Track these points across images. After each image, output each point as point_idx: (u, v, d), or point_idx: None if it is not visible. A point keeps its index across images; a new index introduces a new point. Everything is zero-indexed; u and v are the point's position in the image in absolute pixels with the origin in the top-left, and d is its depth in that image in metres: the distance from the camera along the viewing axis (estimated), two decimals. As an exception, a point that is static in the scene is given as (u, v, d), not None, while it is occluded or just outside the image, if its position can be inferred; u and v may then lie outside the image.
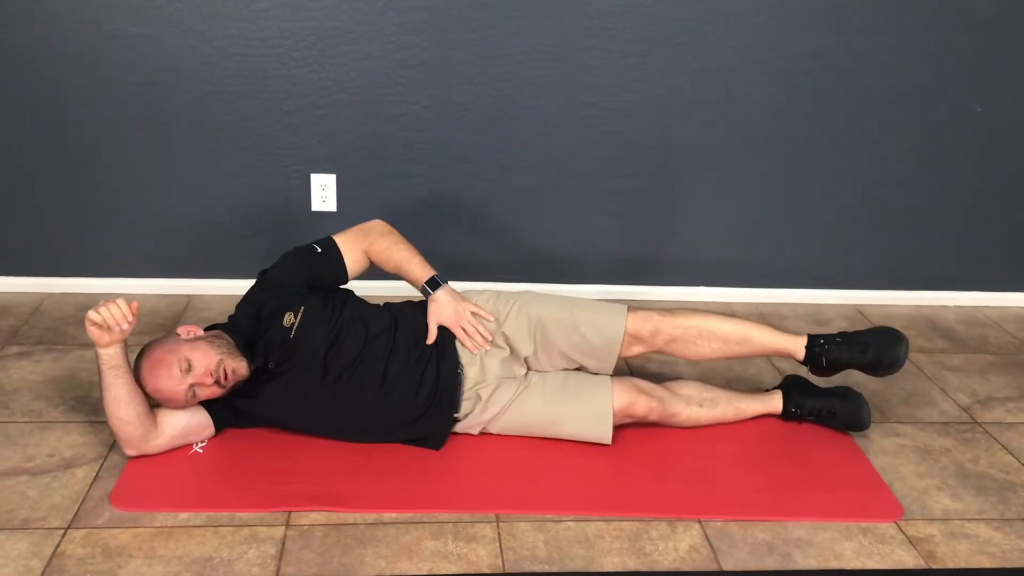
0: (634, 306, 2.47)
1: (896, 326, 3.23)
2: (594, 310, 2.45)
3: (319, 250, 2.39)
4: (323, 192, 3.17)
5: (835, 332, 2.50)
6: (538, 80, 3.10)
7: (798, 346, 2.46)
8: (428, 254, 3.23)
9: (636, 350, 2.45)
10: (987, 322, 3.36)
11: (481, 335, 2.37)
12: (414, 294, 2.47)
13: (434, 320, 2.37)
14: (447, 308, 2.37)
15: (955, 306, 3.48)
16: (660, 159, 3.25)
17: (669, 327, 2.43)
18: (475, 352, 2.37)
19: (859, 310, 3.40)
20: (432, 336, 2.36)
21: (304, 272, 2.37)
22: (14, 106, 3.01)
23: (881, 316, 3.35)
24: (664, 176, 3.26)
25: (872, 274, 3.46)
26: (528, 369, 2.44)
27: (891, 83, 3.20)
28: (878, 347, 2.42)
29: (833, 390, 2.53)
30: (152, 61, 2.98)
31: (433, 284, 2.38)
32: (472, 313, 2.39)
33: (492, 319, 2.41)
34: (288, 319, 2.30)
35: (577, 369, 2.47)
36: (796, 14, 3.09)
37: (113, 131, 3.05)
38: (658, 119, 3.18)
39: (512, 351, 2.41)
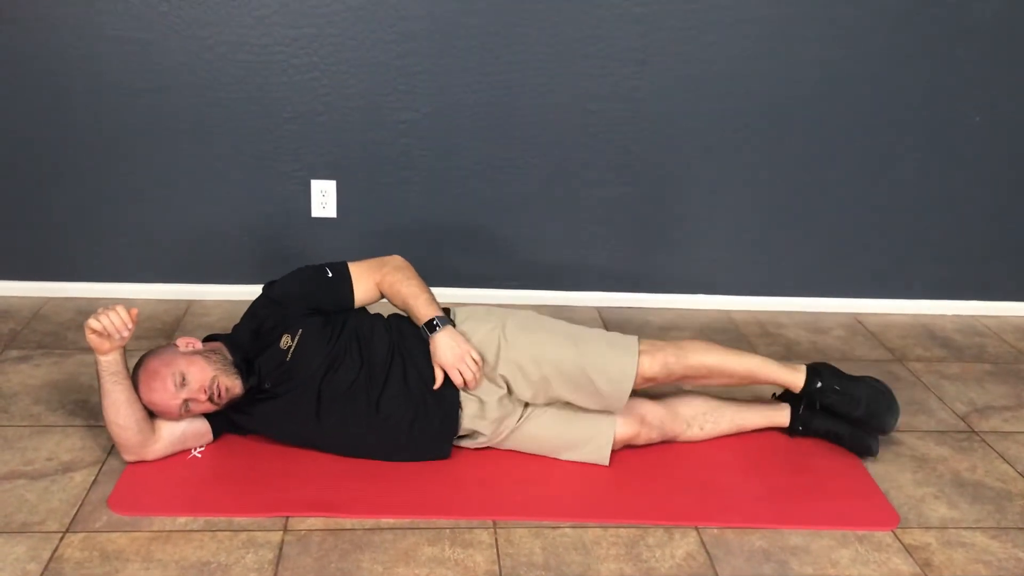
0: (645, 342, 2.36)
1: (894, 335, 3.27)
2: (605, 349, 2.32)
3: (329, 275, 2.35)
4: (323, 198, 3.18)
5: (836, 374, 2.48)
6: (538, 88, 3.11)
7: (797, 383, 2.47)
8: (427, 261, 3.24)
9: (647, 386, 2.40)
10: (985, 331, 3.36)
11: (476, 379, 2.28)
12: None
13: (436, 363, 2.28)
14: (445, 352, 2.26)
15: (953, 315, 3.49)
16: (660, 167, 3.26)
17: (681, 368, 2.36)
18: (471, 388, 2.29)
19: (857, 319, 3.40)
20: (439, 381, 2.28)
21: (309, 294, 2.34)
22: (16, 111, 3.02)
23: (879, 325, 3.36)
24: (664, 184, 3.27)
25: (871, 283, 3.47)
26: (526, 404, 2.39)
27: (890, 92, 3.21)
28: (871, 409, 2.43)
29: (842, 413, 2.50)
30: (154, 67, 2.99)
31: (432, 326, 2.27)
32: (472, 358, 2.28)
33: (484, 362, 2.30)
34: (285, 341, 2.28)
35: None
36: (795, 23, 3.10)
37: (114, 136, 3.06)
38: (658, 127, 3.19)
39: (509, 390, 2.34)
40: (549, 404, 2.38)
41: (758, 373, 2.45)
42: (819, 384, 2.46)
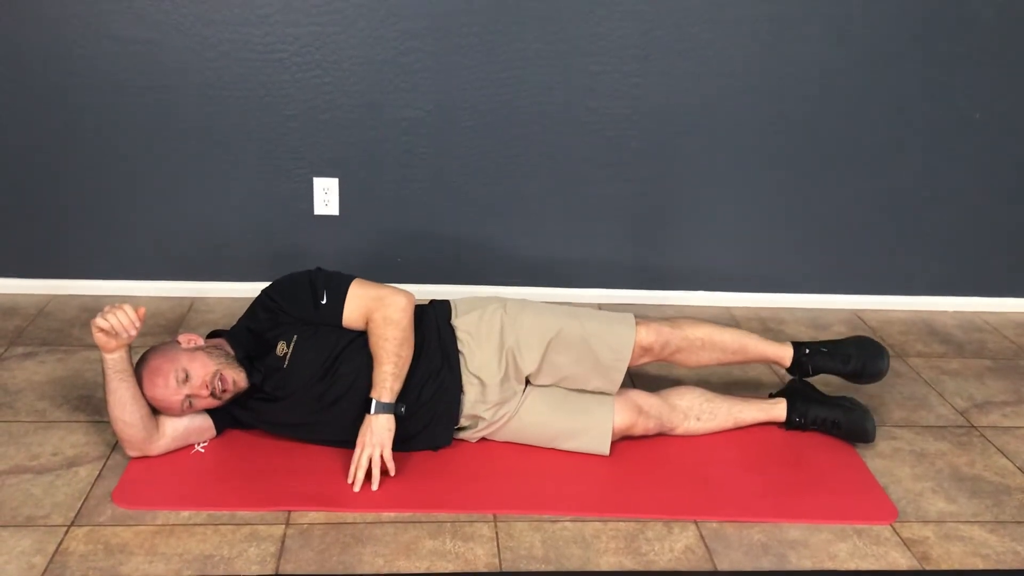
0: (641, 317, 2.47)
1: (895, 331, 3.29)
2: (604, 322, 2.42)
3: (324, 302, 2.29)
4: (326, 196, 3.20)
5: (820, 341, 2.59)
6: (540, 85, 3.12)
7: (786, 354, 2.56)
8: (429, 258, 3.28)
9: (643, 360, 2.46)
10: (985, 327, 3.37)
11: (369, 472, 2.20)
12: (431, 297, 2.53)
13: (359, 437, 2.22)
14: (371, 433, 2.19)
15: (954, 311, 3.49)
16: (662, 165, 3.27)
17: (677, 339, 2.45)
18: (348, 480, 2.21)
19: (858, 315, 3.41)
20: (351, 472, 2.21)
21: (298, 311, 2.32)
22: (21, 110, 3.04)
23: (880, 321, 3.37)
24: (665, 181, 3.28)
25: (871, 279, 3.47)
26: (527, 384, 2.41)
27: (891, 89, 3.22)
28: (861, 357, 2.53)
29: (838, 401, 2.54)
30: (157, 66, 3.01)
31: (374, 404, 2.21)
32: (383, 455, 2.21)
33: (393, 473, 2.21)
34: (281, 348, 2.29)
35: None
36: (797, 21, 3.11)
37: (118, 135, 3.08)
38: (660, 125, 3.20)
39: (513, 367, 2.36)
40: (548, 385, 2.40)
41: (748, 346, 2.53)
42: (807, 350, 2.54)
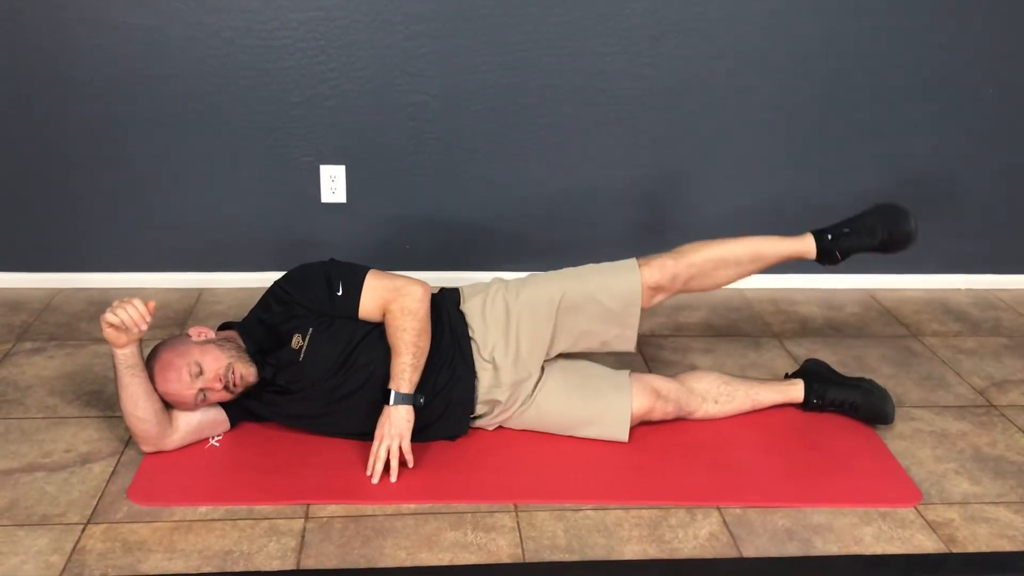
0: (642, 258, 2.40)
1: (909, 310, 3.26)
2: (607, 274, 2.38)
3: (339, 293, 2.27)
4: (333, 183, 3.16)
5: (839, 222, 2.49)
6: (548, 68, 3.08)
7: (809, 247, 2.47)
8: (439, 243, 3.24)
9: (658, 299, 2.40)
10: (1000, 305, 3.35)
11: (388, 464, 2.18)
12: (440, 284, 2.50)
13: (377, 428, 2.20)
14: (390, 424, 2.17)
15: (968, 289, 3.47)
16: (672, 145, 3.24)
17: (684, 268, 2.38)
18: (367, 472, 2.19)
19: (872, 295, 3.39)
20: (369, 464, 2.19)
21: (313, 303, 2.29)
22: (23, 102, 3.00)
23: (894, 300, 3.34)
24: (676, 162, 3.25)
25: (884, 258, 3.42)
26: (542, 372, 2.38)
27: (904, 66, 3.18)
28: (886, 226, 2.45)
29: (856, 382, 2.52)
30: (160, 54, 2.97)
31: (393, 395, 2.18)
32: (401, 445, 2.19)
33: (411, 464, 2.20)
34: (296, 341, 2.26)
35: (596, 358, 2.42)
36: (806, -3, 3.08)
37: (122, 125, 3.05)
38: (670, 105, 3.16)
39: (527, 343, 2.34)
40: (567, 352, 2.39)
41: (765, 252, 2.44)
42: (829, 236, 2.46)
